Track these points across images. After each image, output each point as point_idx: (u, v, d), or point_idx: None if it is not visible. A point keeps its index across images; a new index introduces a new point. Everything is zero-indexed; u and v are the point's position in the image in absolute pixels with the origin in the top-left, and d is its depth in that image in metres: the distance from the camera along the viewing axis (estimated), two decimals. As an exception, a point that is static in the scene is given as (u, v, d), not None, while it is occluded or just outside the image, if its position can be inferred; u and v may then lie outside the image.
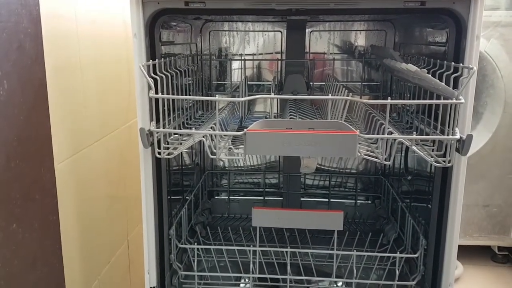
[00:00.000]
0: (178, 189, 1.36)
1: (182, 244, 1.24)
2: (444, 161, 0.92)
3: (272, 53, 1.60)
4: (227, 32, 1.60)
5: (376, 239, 1.35)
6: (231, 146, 0.99)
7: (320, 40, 1.58)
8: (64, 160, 1.05)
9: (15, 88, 0.84)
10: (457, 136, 0.89)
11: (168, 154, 0.98)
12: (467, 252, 1.95)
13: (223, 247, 1.23)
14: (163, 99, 0.96)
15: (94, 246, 1.25)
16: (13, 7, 0.82)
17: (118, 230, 1.44)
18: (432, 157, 0.94)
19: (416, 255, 1.14)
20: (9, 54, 0.82)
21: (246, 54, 1.59)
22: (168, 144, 1.01)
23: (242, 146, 0.94)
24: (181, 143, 1.02)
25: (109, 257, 1.37)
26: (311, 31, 1.56)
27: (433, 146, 0.98)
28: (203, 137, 0.96)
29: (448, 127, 0.91)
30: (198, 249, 1.24)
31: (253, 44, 1.59)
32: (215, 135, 0.95)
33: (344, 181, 1.71)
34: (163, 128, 0.99)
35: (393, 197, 1.51)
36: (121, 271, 1.48)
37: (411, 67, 0.93)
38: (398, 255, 1.14)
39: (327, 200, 1.68)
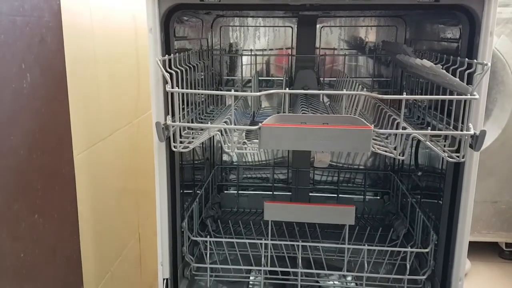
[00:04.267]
0: (189, 183, 1.38)
1: (194, 237, 1.25)
2: (458, 157, 0.93)
3: (282, 49, 1.61)
4: (237, 27, 1.61)
5: (385, 234, 1.36)
6: (245, 140, 1.00)
7: (331, 36, 1.58)
8: (81, 152, 1.07)
9: (37, 81, 0.85)
10: (471, 132, 0.90)
11: (184, 148, 0.99)
12: (474, 248, 1.96)
13: (234, 240, 1.25)
14: (177, 93, 0.97)
15: (107, 238, 1.27)
16: (36, 1, 0.83)
17: (129, 223, 1.46)
18: (445, 152, 0.94)
19: (427, 250, 1.15)
20: (32, 47, 0.83)
21: (256, 50, 1.60)
22: (182, 138, 1.02)
23: (256, 140, 0.95)
24: (194, 137, 1.03)
25: (121, 249, 1.39)
26: (321, 27, 1.57)
27: (446, 141, 0.98)
28: (218, 131, 0.97)
29: (462, 123, 0.92)
30: (209, 242, 1.25)
31: (263, 39, 1.60)
32: (230, 129, 0.97)
33: (352, 177, 1.72)
34: (178, 122, 1.00)
35: (402, 193, 1.51)
36: (132, 263, 1.49)
37: (426, 62, 0.94)
38: (409, 249, 1.15)
39: (335, 195, 1.69)
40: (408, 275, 1.15)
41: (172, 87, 0.96)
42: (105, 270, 1.27)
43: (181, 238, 1.20)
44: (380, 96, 0.94)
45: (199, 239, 1.25)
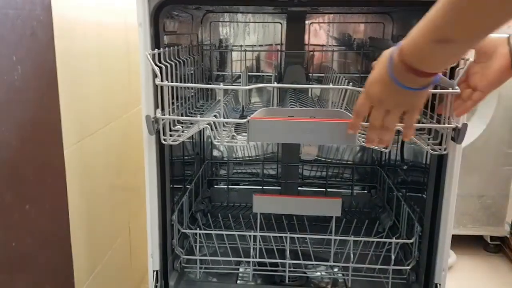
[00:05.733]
0: (179, 177, 1.39)
1: (184, 229, 1.27)
2: (440, 149, 0.96)
3: (272, 45, 1.63)
4: (227, 23, 1.62)
5: (372, 227, 1.39)
6: (234, 134, 1.02)
7: (319, 32, 1.60)
8: (71, 146, 1.08)
9: (28, 74, 0.86)
10: (453, 125, 0.93)
11: (173, 141, 1.00)
12: (460, 242, 2.00)
13: (224, 232, 1.26)
14: (167, 87, 0.98)
15: (98, 231, 1.28)
16: (26, -5, 0.84)
17: (120, 216, 1.47)
18: (428, 145, 0.97)
19: (411, 241, 1.18)
20: (23, 40, 0.84)
21: (246, 45, 1.62)
22: (171, 132, 1.03)
23: (245, 133, 0.97)
24: (183, 131, 1.04)
25: (112, 242, 1.40)
26: (310, 23, 1.59)
27: (430, 135, 1.01)
28: (208, 124, 0.98)
29: (444, 117, 0.95)
30: (199, 235, 1.27)
31: (253, 35, 1.62)
32: (219, 123, 0.98)
33: (340, 172, 1.75)
34: (167, 115, 1.01)
35: (389, 187, 1.54)
36: (123, 256, 1.51)
37: None
38: (394, 240, 1.18)
39: (324, 190, 1.72)
40: (393, 265, 1.18)
41: (162, 81, 0.97)
42: (96, 262, 1.28)
43: (171, 231, 1.22)
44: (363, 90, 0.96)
45: (188, 231, 1.27)
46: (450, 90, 0.89)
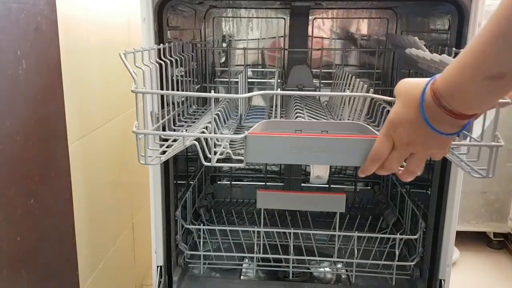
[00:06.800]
0: (182, 173, 1.39)
1: (187, 225, 1.27)
2: (485, 172, 0.74)
3: (275, 38, 1.62)
4: (230, 19, 1.61)
5: (375, 223, 1.39)
6: (229, 151, 0.82)
7: (323, 28, 1.59)
8: (75, 141, 1.08)
9: (32, 68, 0.86)
10: (502, 143, 0.72)
11: (154, 161, 0.81)
12: (463, 238, 2.00)
13: (228, 228, 1.26)
14: (143, 95, 0.81)
15: (101, 227, 1.28)
16: (30, -11, 0.84)
17: (123, 212, 1.47)
18: (468, 166, 0.77)
19: (415, 237, 1.17)
20: (28, 34, 0.84)
21: (249, 40, 1.61)
22: (154, 147, 0.85)
23: (242, 151, 0.77)
24: (168, 146, 0.86)
25: (115, 238, 1.40)
26: (314, 19, 1.58)
27: (467, 153, 0.81)
28: (196, 140, 0.79)
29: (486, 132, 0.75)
30: (203, 230, 1.27)
31: (256, 31, 1.61)
32: (210, 138, 0.77)
33: (344, 168, 1.74)
34: (146, 129, 0.81)
35: (392, 183, 1.54)
36: (126, 252, 1.51)
37: (441, 57, 0.79)
38: (398, 236, 1.18)
39: (327, 186, 1.72)
40: (397, 261, 1.17)
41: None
42: (99, 257, 1.28)
43: (175, 226, 1.22)
44: (389, 98, 0.74)
45: (192, 227, 1.27)
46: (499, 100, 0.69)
